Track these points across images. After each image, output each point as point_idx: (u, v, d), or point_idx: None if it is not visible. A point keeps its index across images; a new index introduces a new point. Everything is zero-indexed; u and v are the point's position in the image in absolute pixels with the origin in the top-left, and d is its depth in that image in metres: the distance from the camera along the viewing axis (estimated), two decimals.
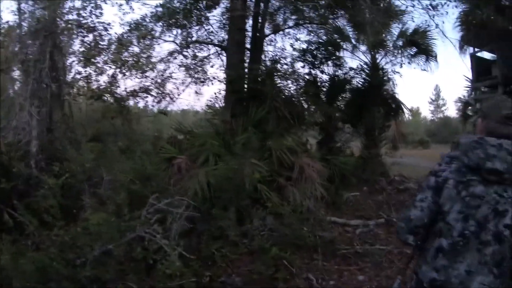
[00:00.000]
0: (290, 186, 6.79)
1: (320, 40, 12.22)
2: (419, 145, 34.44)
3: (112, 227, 4.30)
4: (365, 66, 12.64)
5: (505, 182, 1.64)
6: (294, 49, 11.61)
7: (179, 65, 11.05)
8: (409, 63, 12.58)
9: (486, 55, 15.17)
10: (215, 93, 10.02)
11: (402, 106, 12.89)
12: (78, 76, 9.11)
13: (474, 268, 1.66)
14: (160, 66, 10.81)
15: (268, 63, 10.35)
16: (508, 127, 1.72)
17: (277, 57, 10.88)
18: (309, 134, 12.15)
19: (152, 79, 10.44)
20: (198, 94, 11.56)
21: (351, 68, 12.23)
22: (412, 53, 12.69)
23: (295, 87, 11.06)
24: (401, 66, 12.62)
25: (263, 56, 10.63)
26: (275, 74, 9.58)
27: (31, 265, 3.94)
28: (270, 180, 6.65)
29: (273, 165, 6.95)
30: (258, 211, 5.73)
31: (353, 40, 12.89)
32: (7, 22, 7.69)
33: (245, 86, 9.11)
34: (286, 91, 10.06)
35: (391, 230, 6.85)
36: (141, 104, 11.20)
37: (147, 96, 10.26)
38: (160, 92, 10.52)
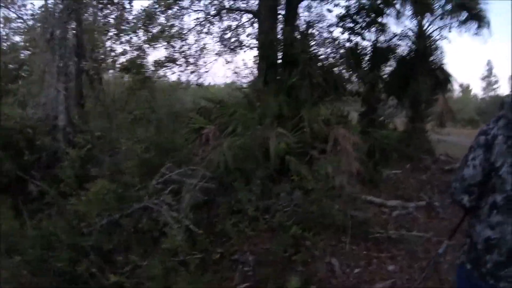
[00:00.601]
0: (323, 159, 6.20)
1: (361, 5, 11.22)
2: (468, 124, 32.46)
3: (117, 196, 4.05)
4: (410, 33, 11.58)
5: None
6: (332, 14, 10.72)
7: (207, 34, 10.49)
8: (458, 27, 11.33)
9: None
10: (243, 61, 9.45)
11: (451, 79, 11.80)
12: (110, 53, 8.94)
13: None
14: (190, 37, 10.41)
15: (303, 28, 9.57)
16: None
17: (312, 22, 9.99)
18: (350, 105, 11.48)
19: (180, 49, 10.01)
20: (229, 62, 10.94)
21: (394, 35, 11.16)
22: (462, 19, 11.46)
23: (333, 54, 10.37)
24: (449, 31, 11.46)
25: (298, 23, 9.90)
26: (310, 39, 8.80)
27: (35, 231, 3.97)
28: (301, 152, 6.09)
29: (306, 136, 6.37)
30: (285, 185, 5.21)
31: (397, 4, 11.72)
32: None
33: (278, 52, 8.49)
34: (323, 57, 9.32)
35: (432, 214, 6.26)
36: (173, 77, 10.95)
37: (173, 67, 9.85)
38: (190, 62, 10.08)
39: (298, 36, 8.71)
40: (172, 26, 9.60)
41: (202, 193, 4.69)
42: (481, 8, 11.11)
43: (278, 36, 8.72)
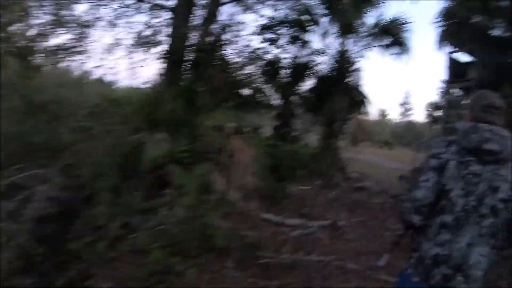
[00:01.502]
0: (216, 172, 5.53)
1: (285, 18, 10.95)
2: (384, 146, 34.37)
3: None
4: (333, 52, 11.48)
5: (499, 162, 1.82)
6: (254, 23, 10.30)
7: (116, 26, 9.48)
8: (381, 50, 11.48)
9: (464, 58, 14.36)
10: (149, 59, 8.63)
11: (366, 100, 11.85)
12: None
13: (474, 240, 1.80)
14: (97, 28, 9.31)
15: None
16: (492, 115, 1.89)
17: (227, 26, 9.40)
18: (266, 117, 11.10)
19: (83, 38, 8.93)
20: (136, 60, 9.87)
21: (315, 51, 10.95)
22: (385, 43, 11.62)
23: (250, 63, 9.91)
24: (367, 48, 11.53)
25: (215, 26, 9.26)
26: (222, 43, 8.21)
27: None
28: (190, 162, 5.37)
29: (200, 145, 5.65)
30: (160, 199, 4.42)
31: (323, 24, 11.62)
32: None
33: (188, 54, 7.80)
34: (238, 65, 8.76)
35: (336, 235, 5.76)
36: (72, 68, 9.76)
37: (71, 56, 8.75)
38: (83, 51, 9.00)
39: (211, 39, 8.11)
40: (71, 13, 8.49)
41: (55, 203, 3.76)
42: (404, 35, 11.34)
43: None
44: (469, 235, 1.81)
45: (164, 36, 9.29)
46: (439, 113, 15.27)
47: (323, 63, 11.45)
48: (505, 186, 1.81)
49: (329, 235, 5.69)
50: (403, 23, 11.17)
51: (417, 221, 1.90)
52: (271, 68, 10.59)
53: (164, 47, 8.74)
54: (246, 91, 10.21)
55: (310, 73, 11.15)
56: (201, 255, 4.05)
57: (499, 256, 1.93)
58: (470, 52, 13.48)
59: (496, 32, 12.25)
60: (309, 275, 4.25)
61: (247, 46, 9.90)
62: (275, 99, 10.90)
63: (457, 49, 13.70)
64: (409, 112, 56.69)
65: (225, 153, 5.71)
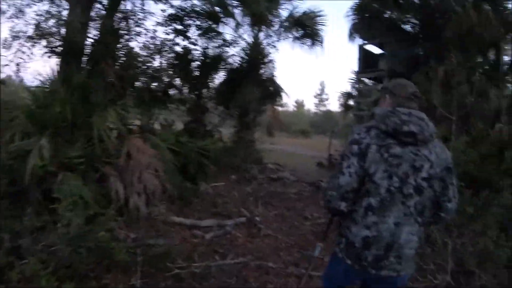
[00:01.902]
0: (114, 177, 5.05)
1: (196, 9, 10.51)
2: (301, 135, 35.29)
3: None
4: (244, 43, 11.31)
5: (418, 143, 1.87)
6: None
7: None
8: (294, 42, 11.56)
9: (374, 50, 15.13)
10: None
11: (281, 90, 11.90)
12: None
13: (401, 219, 1.87)
14: None
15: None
16: (413, 102, 1.97)
17: (126, 14, 8.68)
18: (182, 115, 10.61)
19: None
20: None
21: (225, 42, 10.66)
22: (298, 35, 11.72)
23: (156, 55, 9.37)
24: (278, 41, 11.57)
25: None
26: (121, 32, 7.59)
27: None
28: (88, 169, 4.84)
29: (96, 148, 5.10)
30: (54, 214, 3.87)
31: (236, 15, 11.33)
32: None
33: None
34: (141, 57, 8.17)
35: (254, 232, 5.54)
36: None
37: None
38: None
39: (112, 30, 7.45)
40: None
41: None
42: (317, 27, 11.48)
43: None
44: (396, 215, 1.86)
45: (59, 28, 8.40)
46: (351, 102, 15.90)
47: (236, 55, 11.25)
48: (427, 165, 1.88)
49: (245, 233, 5.50)
50: (316, 16, 11.33)
51: (343, 207, 1.92)
52: (181, 60, 10.12)
53: (59, 40, 7.89)
54: (155, 86, 9.67)
55: (222, 66, 10.86)
56: (100, 275, 3.61)
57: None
58: (381, 45, 14.26)
59: (406, 26, 13.03)
60: (226, 281, 4.01)
61: (153, 37, 9.33)
62: (186, 93, 10.44)
63: (368, 41, 14.41)
64: (325, 102, 59.01)
65: (124, 155, 5.23)
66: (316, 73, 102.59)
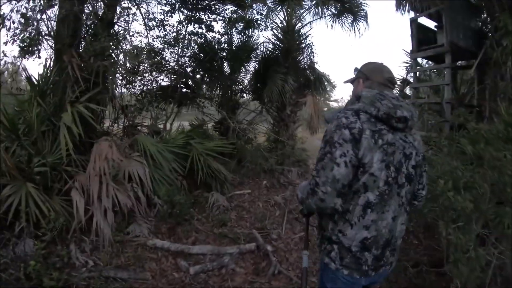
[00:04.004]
0: (75, 190, 3.87)
1: None
2: None
3: None
4: (276, 27, 9.83)
5: (405, 129, 1.69)
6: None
7: None
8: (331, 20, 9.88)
9: (430, 24, 12.74)
10: None
11: (323, 78, 10.25)
12: None
13: (397, 212, 1.69)
14: None
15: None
16: (388, 88, 1.81)
17: None
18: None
19: None
20: None
21: (248, 23, 9.16)
22: (335, 11, 10.01)
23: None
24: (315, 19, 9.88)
25: None
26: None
27: None
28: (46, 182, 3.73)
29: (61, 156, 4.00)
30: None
31: None
32: None
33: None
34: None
35: (260, 266, 4.02)
36: None
37: None
38: None
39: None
40: None
41: None
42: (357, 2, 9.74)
43: None
44: (393, 208, 1.68)
45: None
46: (408, 90, 13.66)
47: (267, 41, 9.81)
48: (414, 152, 1.73)
49: (250, 267, 4.02)
50: None
51: (339, 205, 1.64)
52: (204, 52, 8.88)
53: None
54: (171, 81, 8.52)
55: (251, 55, 9.45)
56: None
57: None
58: (437, 16, 11.92)
59: None
60: None
61: (162, 25, 8.16)
62: (213, 90, 9.19)
63: (421, 13, 12.16)
64: None
65: (91, 163, 4.04)
66: (364, 55, 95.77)
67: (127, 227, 4.23)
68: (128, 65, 5.99)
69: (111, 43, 4.79)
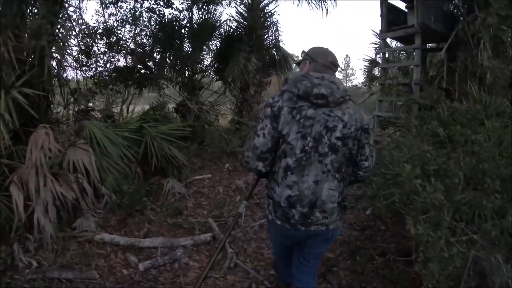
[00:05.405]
0: (14, 184, 3.55)
1: None
2: None
3: None
4: (240, 3, 9.48)
5: (330, 105, 1.89)
6: None
7: None
8: None
9: (400, 5, 12.44)
10: None
11: (288, 57, 10.01)
12: None
13: (320, 177, 1.93)
14: None
15: None
16: (331, 70, 2.02)
17: None
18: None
19: None
20: None
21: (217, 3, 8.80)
22: None
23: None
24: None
25: None
26: None
27: None
28: None
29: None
30: None
31: None
32: None
33: None
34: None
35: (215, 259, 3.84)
36: None
37: None
38: None
39: None
40: None
41: None
42: None
43: None
44: (314, 173, 1.92)
45: None
46: (376, 71, 13.51)
47: (230, 19, 9.45)
48: (340, 125, 1.90)
49: (204, 260, 3.74)
50: None
51: (261, 167, 1.99)
52: (163, 30, 8.46)
53: None
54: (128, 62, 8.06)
55: (214, 33, 9.08)
56: None
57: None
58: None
59: None
60: None
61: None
62: (172, 70, 8.81)
63: None
64: (351, 77, 53.90)
65: (29, 153, 3.70)
66: (338, 41, 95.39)
67: (74, 222, 3.95)
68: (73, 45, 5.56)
69: (50, 21, 4.35)
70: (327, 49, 2.10)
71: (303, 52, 2.19)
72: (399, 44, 11.75)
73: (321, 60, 2.02)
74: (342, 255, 3.80)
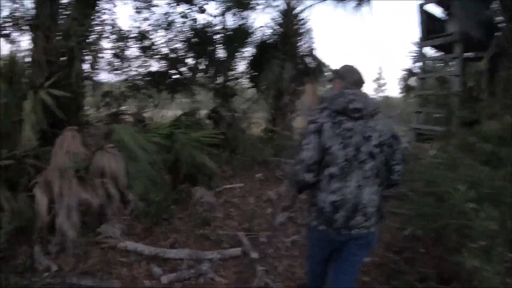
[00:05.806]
0: (38, 187, 3.44)
1: None
2: None
3: None
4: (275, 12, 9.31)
5: (365, 117, 2.11)
6: None
7: None
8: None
9: (438, 11, 11.93)
10: None
11: (323, 66, 9.70)
12: None
13: (361, 182, 2.09)
14: None
15: None
16: (359, 87, 2.25)
17: None
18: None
19: None
20: None
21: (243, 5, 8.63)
22: None
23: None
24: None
25: None
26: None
27: None
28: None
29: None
30: None
31: None
32: None
33: None
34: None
35: (244, 276, 3.50)
36: None
37: None
38: None
39: None
40: None
41: None
42: None
43: None
44: (356, 179, 2.08)
45: None
46: (414, 81, 12.99)
47: (265, 26, 9.29)
48: (376, 134, 2.11)
49: (231, 276, 3.49)
50: None
51: (309, 178, 2.13)
52: (198, 37, 8.39)
53: None
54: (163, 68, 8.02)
55: (248, 40, 8.94)
56: None
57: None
58: (447, 4, 11.22)
59: None
60: None
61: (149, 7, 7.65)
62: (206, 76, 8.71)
63: (429, 1, 11.44)
64: (383, 88, 52.60)
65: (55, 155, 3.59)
66: (374, 51, 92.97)
67: (98, 227, 3.79)
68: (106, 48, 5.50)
69: (81, 23, 4.28)
70: (353, 66, 2.33)
71: (332, 69, 2.45)
72: (434, 53, 11.22)
73: (349, 78, 2.25)
74: (377, 278, 3.45)
